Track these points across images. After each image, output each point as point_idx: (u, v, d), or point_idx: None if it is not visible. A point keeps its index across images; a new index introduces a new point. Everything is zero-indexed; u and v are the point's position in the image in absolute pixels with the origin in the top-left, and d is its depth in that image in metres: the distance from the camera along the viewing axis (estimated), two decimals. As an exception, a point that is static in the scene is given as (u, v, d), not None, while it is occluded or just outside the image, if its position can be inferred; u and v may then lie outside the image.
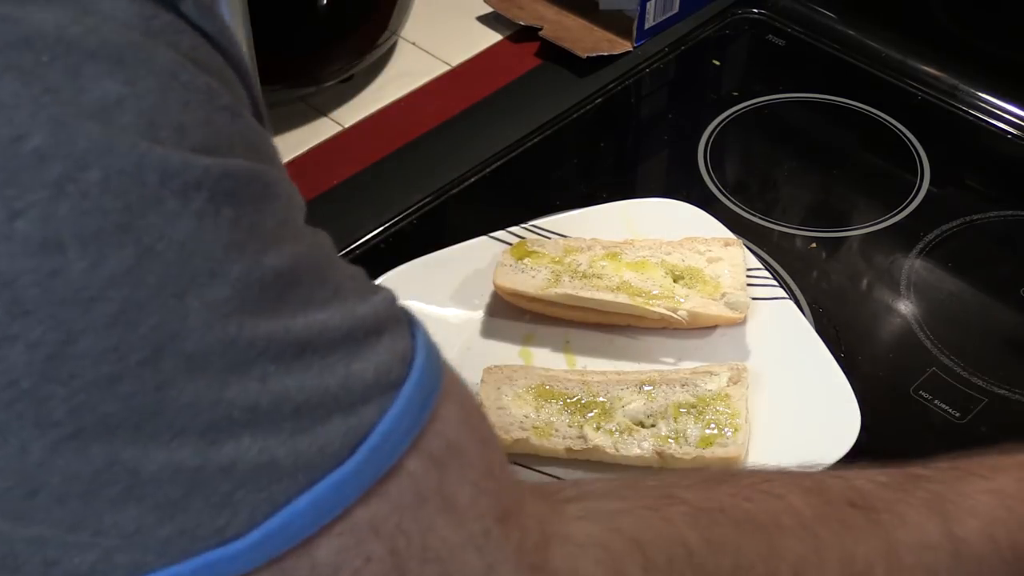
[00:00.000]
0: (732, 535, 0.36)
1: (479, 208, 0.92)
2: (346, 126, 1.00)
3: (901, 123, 1.01)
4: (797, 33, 1.11)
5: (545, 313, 0.80)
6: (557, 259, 0.80)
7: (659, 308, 0.76)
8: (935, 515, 0.42)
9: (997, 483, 0.45)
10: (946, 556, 0.41)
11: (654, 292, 0.78)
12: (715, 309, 0.77)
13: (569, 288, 0.78)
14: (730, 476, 0.40)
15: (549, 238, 0.83)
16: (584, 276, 0.79)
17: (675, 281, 0.79)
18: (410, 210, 0.92)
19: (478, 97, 1.02)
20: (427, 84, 1.04)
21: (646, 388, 0.73)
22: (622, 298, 0.77)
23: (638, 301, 0.77)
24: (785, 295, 0.81)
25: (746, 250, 0.82)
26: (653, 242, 0.82)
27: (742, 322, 0.78)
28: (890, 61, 1.06)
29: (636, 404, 0.72)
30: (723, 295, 0.77)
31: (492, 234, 0.82)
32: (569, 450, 0.70)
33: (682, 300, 0.77)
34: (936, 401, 0.78)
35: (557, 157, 0.99)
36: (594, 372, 0.76)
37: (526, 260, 0.80)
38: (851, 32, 1.09)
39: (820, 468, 0.69)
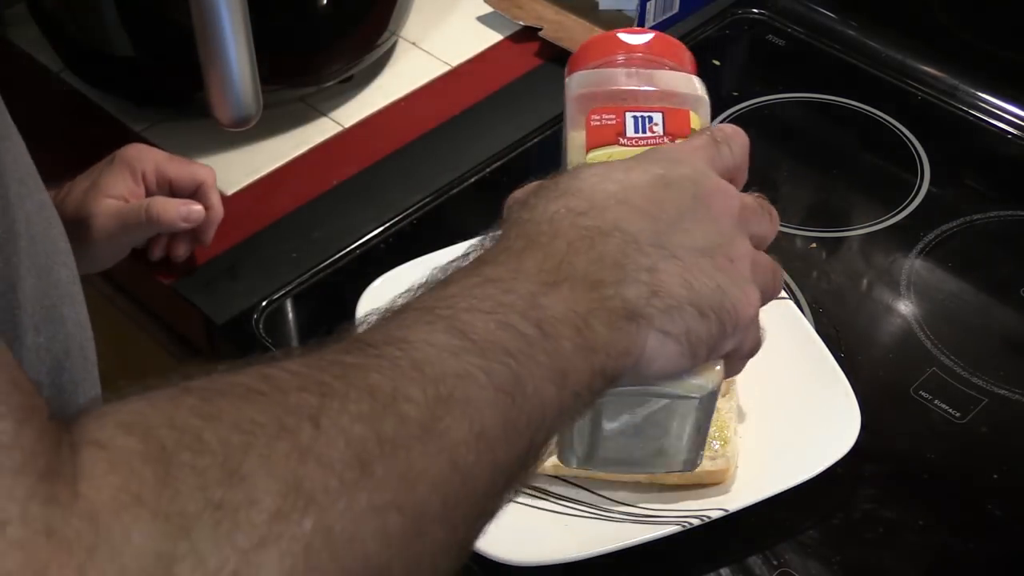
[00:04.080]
0: (232, 406, 0.35)
1: (479, 208, 0.92)
2: (346, 126, 1.00)
3: (901, 123, 1.01)
4: (797, 33, 1.11)
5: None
6: None
7: None
8: (441, 326, 0.40)
9: (486, 273, 0.43)
10: (471, 356, 0.39)
11: None
12: None
13: None
14: (241, 367, 0.38)
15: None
16: None
17: None
18: (410, 210, 0.92)
19: (478, 97, 1.02)
20: (427, 84, 1.04)
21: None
22: None
23: None
24: (785, 295, 0.81)
25: None
26: None
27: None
28: (890, 61, 1.06)
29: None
30: None
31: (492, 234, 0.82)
32: (556, 466, 0.69)
33: None
34: (936, 401, 0.78)
35: (557, 157, 0.99)
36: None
37: None
38: (851, 32, 1.09)
39: (820, 468, 0.70)
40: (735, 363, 0.50)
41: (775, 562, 0.69)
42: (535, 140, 0.99)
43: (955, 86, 1.03)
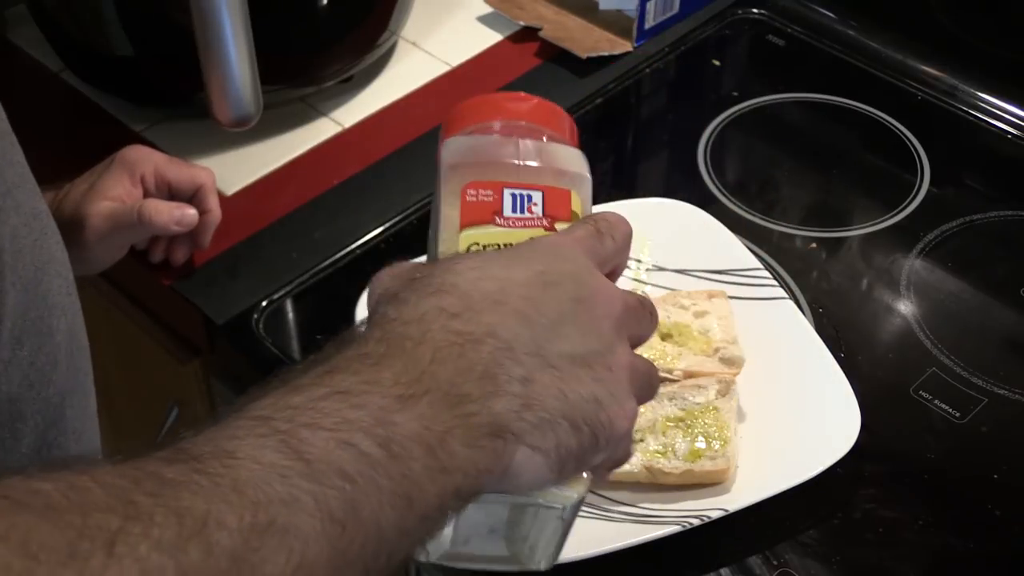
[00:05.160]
0: (25, 524, 0.32)
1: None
2: (346, 126, 1.00)
3: (901, 123, 1.01)
4: (797, 33, 1.11)
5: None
6: None
7: None
8: (273, 442, 0.37)
9: (336, 384, 0.40)
10: (301, 480, 0.36)
11: (644, 355, 0.75)
12: (710, 366, 0.75)
13: None
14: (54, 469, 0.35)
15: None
16: None
17: (663, 340, 0.77)
18: (410, 210, 0.92)
19: (478, 97, 1.02)
20: (427, 84, 1.04)
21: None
22: None
23: None
24: (785, 295, 0.81)
25: (730, 302, 0.79)
26: None
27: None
28: (890, 61, 1.06)
29: None
30: (716, 350, 0.76)
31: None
32: None
33: (674, 360, 0.76)
34: (936, 401, 0.78)
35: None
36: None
37: None
38: (851, 32, 1.09)
39: (820, 468, 0.70)
40: (602, 473, 0.48)
41: (775, 562, 0.69)
42: (535, 140, 0.99)
43: (955, 86, 1.03)
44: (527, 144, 0.51)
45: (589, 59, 1.05)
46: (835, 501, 0.72)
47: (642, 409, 0.72)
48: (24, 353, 0.52)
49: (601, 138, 1.03)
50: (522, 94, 0.55)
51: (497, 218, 0.49)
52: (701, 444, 0.71)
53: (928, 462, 0.75)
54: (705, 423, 0.72)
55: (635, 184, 1.00)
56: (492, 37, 1.09)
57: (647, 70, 1.07)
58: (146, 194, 0.81)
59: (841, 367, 0.75)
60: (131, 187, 0.80)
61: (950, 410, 0.77)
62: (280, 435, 0.37)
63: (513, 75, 1.05)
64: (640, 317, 0.48)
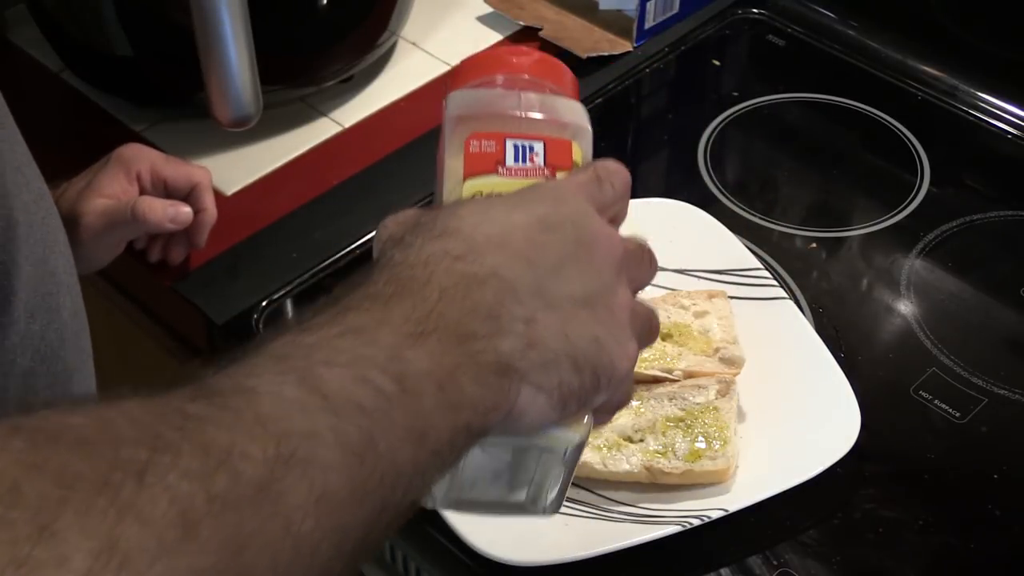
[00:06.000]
0: (58, 456, 0.33)
1: (479, 208, 0.92)
2: (346, 126, 1.00)
3: (901, 123, 1.01)
4: (797, 33, 1.11)
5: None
6: None
7: (653, 372, 0.75)
8: (292, 379, 0.38)
9: (349, 323, 0.41)
10: (320, 414, 0.37)
11: (645, 356, 0.75)
12: (710, 366, 0.75)
13: None
14: (81, 405, 0.36)
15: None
16: None
17: (663, 340, 0.77)
18: (410, 210, 0.92)
19: (478, 97, 1.02)
20: (427, 84, 1.04)
21: (634, 403, 0.73)
22: None
23: None
24: (785, 295, 0.81)
25: (730, 302, 0.80)
26: None
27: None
28: (890, 61, 1.06)
29: (624, 419, 0.72)
30: (716, 351, 0.76)
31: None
32: None
33: (675, 360, 0.76)
34: (936, 401, 0.78)
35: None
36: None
37: None
38: (851, 32, 1.09)
39: (820, 468, 0.70)
40: (603, 416, 0.49)
41: (775, 562, 0.69)
42: (535, 140, 0.99)
43: (955, 86, 1.03)
44: (529, 96, 0.52)
45: (589, 59, 1.05)
46: (835, 501, 0.72)
47: (642, 409, 0.73)
48: (36, 327, 0.53)
49: (601, 138, 1.02)
50: (524, 47, 0.56)
51: (500, 168, 0.50)
52: (701, 444, 0.71)
53: (928, 462, 0.75)
54: (705, 423, 0.72)
55: (635, 184, 0.99)
56: (492, 37, 1.09)
57: (647, 70, 1.07)
58: (142, 192, 0.81)
59: (841, 367, 0.75)
60: (127, 185, 0.80)
61: (950, 410, 0.77)
62: (298, 372, 0.38)
63: (513, 75, 1.05)
64: (640, 261, 0.49)
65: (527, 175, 0.50)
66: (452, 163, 0.51)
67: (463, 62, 0.55)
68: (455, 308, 0.42)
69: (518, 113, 0.51)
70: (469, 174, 0.50)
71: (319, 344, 0.40)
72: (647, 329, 0.49)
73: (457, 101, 0.53)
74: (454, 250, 0.44)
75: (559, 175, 0.50)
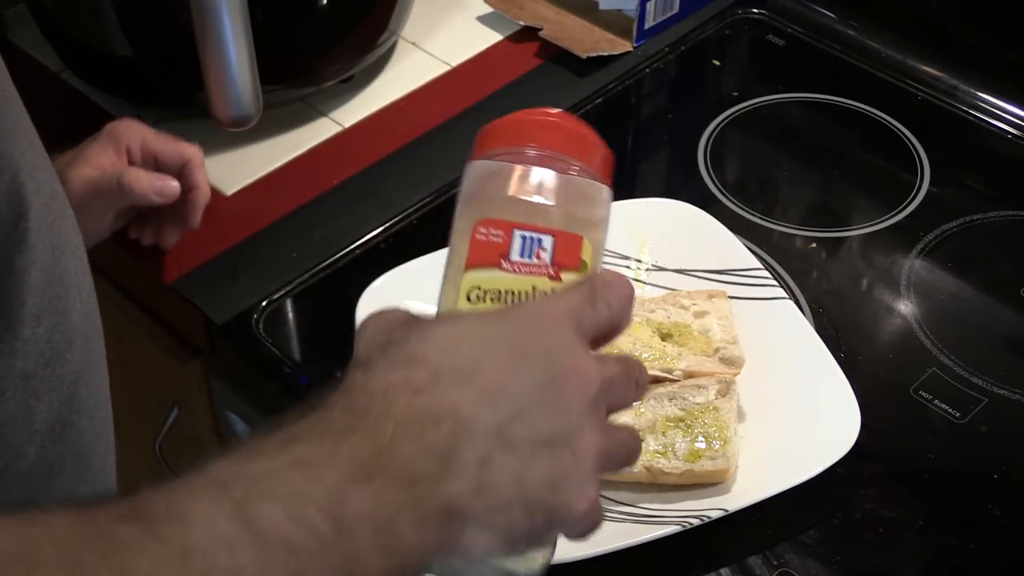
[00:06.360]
0: None
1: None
2: (346, 126, 1.00)
3: (901, 123, 1.01)
4: (797, 33, 1.11)
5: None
6: None
7: (653, 372, 0.74)
8: (227, 508, 0.38)
9: (296, 454, 0.40)
10: (248, 550, 0.37)
11: (645, 356, 0.75)
12: (710, 366, 0.75)
13: None
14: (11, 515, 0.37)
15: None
16: None
17: (663, 340, 0.77)
18: (410, 210, 0.92)
19: (478, 97, 1.02)
20: (427, 84, 1.04)
21: (634, 403, 0.72)
22: None
23: None
24: (785, 295, 0.81)
25: (730, 302, 0.79)
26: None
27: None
28: (890, 61, 1.06)
29: (624, 419, 0.72)
30: (716, 351, 0.76)
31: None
32: None
33: (675, 360, 0.76)
34: (936, 401, 0.78)
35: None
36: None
37: None
38: (851, 32, 1.09)
39: (820, 468, 0.70)
40: (570, 537, 0.47)
41: (775, 562, 0.69)
42: (535, 140, 0.99)
43: (955, 86, 1.03)
44: (550, 179, 0.50)
45: (589, 59, 1.05)
46: (835, 501, 0.72)
47: (642, 409, 0.73)
48: (41, 331, 0.53)
49: (601, 138, 1.03)
50: (558, 112, 0.54)
51: (503, 262, 0.49)
52: (701, 444, 0.71)
53: (928, 462, 0.75)
54: (705, 423, 0.72)
55: (635, 184, 1.00)
56: (492, 37, 1.09)
57: (647, 70, 1.07)
58: (131, 165, 0.80)
59: (841, 367, 0.75)
60: (115, 157, 0.79)
61: (950, 410, 0.77)
62: (234, 502, 0.38)
63: (513, 75, 1.05)
64: (624, 383, 0.47)
65: (531, 272, 0.49)
66: (458, 242, 0.50)
67: (492, 124, 0.53)
68: (407, 448, 0.41)
69: (533, 200, 0.49)
70: (471, 264, 0.49)
71: (262, 475, 0.40)
72: (624, 453, 0.48)
73: (474, 176, 0.51)
74: (416, 381, 0.43)
75: (564, 275, 0.49)
